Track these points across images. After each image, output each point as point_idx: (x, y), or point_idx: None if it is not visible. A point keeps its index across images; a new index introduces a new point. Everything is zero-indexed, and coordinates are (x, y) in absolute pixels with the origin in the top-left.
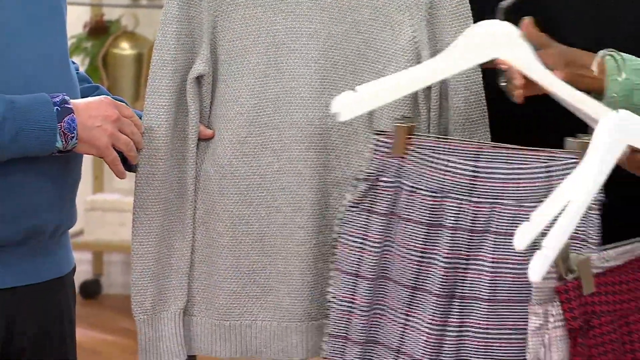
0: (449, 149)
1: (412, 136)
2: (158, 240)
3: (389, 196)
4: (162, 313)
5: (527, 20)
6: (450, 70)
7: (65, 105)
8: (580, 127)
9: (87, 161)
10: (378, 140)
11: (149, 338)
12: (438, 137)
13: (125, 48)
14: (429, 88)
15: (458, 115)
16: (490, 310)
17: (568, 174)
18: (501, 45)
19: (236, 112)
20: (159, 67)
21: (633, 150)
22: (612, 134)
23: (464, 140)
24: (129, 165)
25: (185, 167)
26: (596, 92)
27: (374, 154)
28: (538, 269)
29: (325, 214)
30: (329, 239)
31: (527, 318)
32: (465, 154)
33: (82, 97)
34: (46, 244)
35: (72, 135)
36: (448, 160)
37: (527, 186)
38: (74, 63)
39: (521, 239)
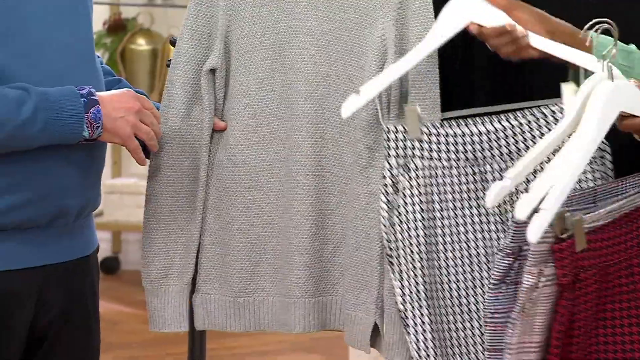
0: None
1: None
2: (167, 218)
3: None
4: (168, 286)
5: None
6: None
7: (92, 97)
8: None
9: (106, 148)
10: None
11: (155, 307)
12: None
13: (141, 44)
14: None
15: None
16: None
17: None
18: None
19: (245, 104)
20: (175, 58)
21: (623, 116)
22: (606, 102)
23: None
24: (148, 153)
25: (199, 154)
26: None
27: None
28: (536, 230)
29: (321, 199)
30: (327, 222)
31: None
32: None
33: (106, 90)
34: (72, 225)
35: (98, 125)
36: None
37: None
38: (98, 57)
39: (522, 209)
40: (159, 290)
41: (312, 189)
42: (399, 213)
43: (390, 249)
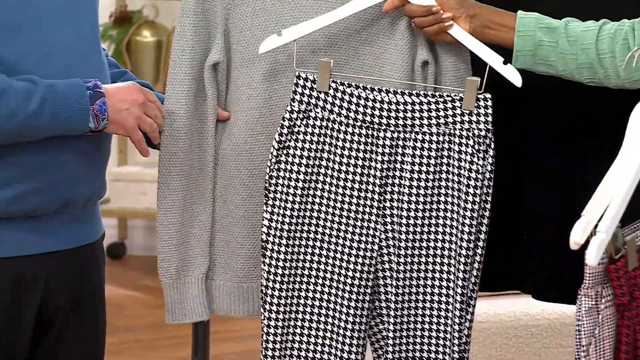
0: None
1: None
2: (181, 212)
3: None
4: (186, 278)
5: None
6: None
7: (97, 90)
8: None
9: (112, 138)
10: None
11: (175, 300)
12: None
13: (146, 36)
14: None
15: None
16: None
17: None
18: None
19: (249, 96)
20: (178, 56)
21: None
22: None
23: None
24: (151, 144)
25: (205, 146)
26: (506, 46)
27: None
28: (595, 254)
29: None
30: None
31: None
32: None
33: (111, 82)
34: (79, 213)
35: (103, 116)
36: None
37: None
38: (104, 49)
39: (579, 233)
40: (178, 283)
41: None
42: (287, 154)
43: (270, 184)
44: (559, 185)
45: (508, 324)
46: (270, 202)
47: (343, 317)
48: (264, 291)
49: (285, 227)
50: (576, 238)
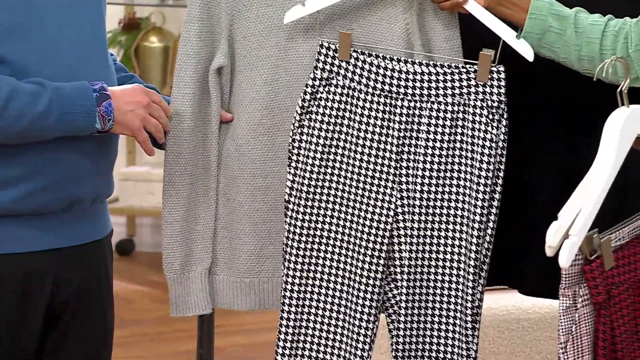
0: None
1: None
2: (185, 210)
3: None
4: (189, 273)
5: None
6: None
7: (104, 92)
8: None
9: (121, 138)
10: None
11: (179, 294)
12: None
13: (154, 42)
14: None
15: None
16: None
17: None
18: None
19: (252, 98)
20: (184, 60)
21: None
22: (623, 128)
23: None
24: (157, 144)
25: (209, 146)
26: (515, 24)
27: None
28: (567, 256)
29: None
30: None
31: None
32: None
33: (118, 85)
34: (87, 210)
35: (109, 118)
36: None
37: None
38: (111, 55)
39: (553, 237)
40: (182, 278)
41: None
42: (310, 119)
43: (292, 147)
44: (561, 172)
45: (500, 317)
46: (292, 164)
47: (358, 278)
48: (285, 249)
49: (305, 188)
50: (549, 241)
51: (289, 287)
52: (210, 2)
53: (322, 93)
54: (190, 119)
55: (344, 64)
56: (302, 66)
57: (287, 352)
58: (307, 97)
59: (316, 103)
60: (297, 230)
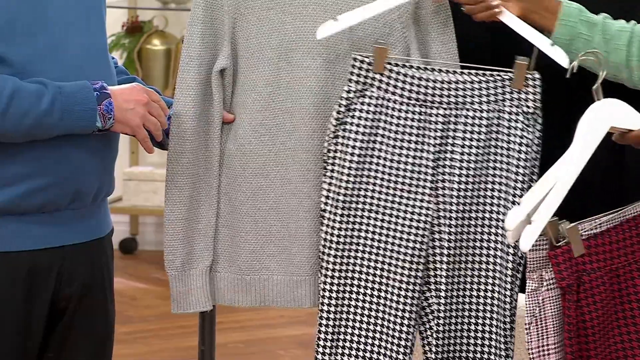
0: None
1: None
2: (187, 208)
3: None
4: (190, 270)
5: None
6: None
7: (104, 91)
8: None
9: (125, 139)
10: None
11: (180, 291)
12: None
13: (156, 44)
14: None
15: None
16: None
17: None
18: None
19: (253, 99)
20: (187, 62)
21: (623, 132)
22: (593, 119)
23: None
24: (156, 142)
25: (211, 146)
26: (545, 30)
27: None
28: (527, 240)
29: None
30: None
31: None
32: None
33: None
34: (88, 208)
35: (110, 116)
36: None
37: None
38: (113, 58)
39: (510, 220)
40: (183, 275)
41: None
42: (344, 129)
43: (328, 157)
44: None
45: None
46: (328, 173)
47: (397, 284)
48: (321, 257)
49: (342, 197)
50: (506, 225)
51: (326, 294)
52: (213, 5)
53: (356, 104)
54: (192, 119)
55: (378, 76)
56: (302, 68)
57: None
58: (342, 109)
59: (350, 114)
60: (334, 239)
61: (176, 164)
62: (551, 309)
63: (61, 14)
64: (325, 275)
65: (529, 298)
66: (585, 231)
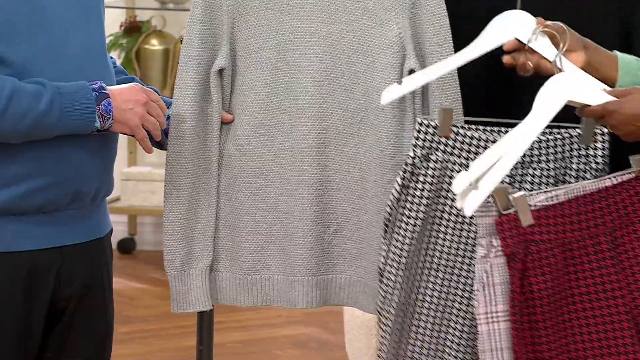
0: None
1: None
2: (186, 209)
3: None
4: (190, 270)
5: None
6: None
7: (103, 91)
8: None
9: (123, 139)
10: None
11: (179, 291)
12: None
13: (154, 44)
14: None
15: (435, 100)
16: None
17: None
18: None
19: (252, 100)
20: (186, 62)
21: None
22: (550, 92)
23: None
24: (155, 142)
25: (210, 146)
26: (609, 80)
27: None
28: (470, 204)
29: (324, 186)
30: (328, 207)
31: None
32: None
33: None
34: (87, 208)
35: (109, 116)
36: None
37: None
38: (111, 58)
39: (458, 184)
40: (183, 275)
41: (315, 176)
42: (407, 193)
43: (389, 219)
44: None
45: None
46: (388, 234)
47: (454, 346)
48: (380, 312)
49: (403, 259)
50: (453, 188)
51: (384, 349)
52: (213, 5)
53: (420, 169)
54: (191, 119)
55: (443, 140)
56: (299, 68)
57: None
58: (407, 175)
59: (414, 179)
60: (394, 298)
61: (175, 164)
62: (499, 276)
63: (60, 14)
64: (384, 331)
65: (478, 264)
66: (538, 202)
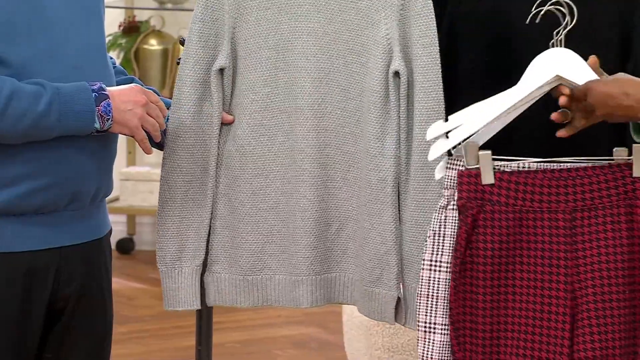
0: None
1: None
2: (180, 207)
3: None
4: (181, 268)
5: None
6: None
7: (102, 92)
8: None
9: (121, 139)
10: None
11: (169, 288)
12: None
13: (153, 44)
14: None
15: (418, 103)
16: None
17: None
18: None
19: (252, 100)
20: (186, 61)
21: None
22: (540, 64)
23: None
24: (155, 143)
25: (209, 146)
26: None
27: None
28: (435, 150)
29: (325, 185)
30: (330, 206)
31: None
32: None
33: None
34: (87, 209)
35: (108, 117)
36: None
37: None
38: (110, 58)
39: (431, 132)
40: (173, 272)
41: (316, 176)
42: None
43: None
44: None
45: None
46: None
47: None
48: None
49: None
50: (427, 135)
51: None
52: (214, 5)
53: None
54: (191, 118)
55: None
56: (297, 68)
57: None
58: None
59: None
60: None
61: (171, 162)
62: (451, 228)
63: (60, 14)
64: None
65: (435, 214)
66: (507, 167)
